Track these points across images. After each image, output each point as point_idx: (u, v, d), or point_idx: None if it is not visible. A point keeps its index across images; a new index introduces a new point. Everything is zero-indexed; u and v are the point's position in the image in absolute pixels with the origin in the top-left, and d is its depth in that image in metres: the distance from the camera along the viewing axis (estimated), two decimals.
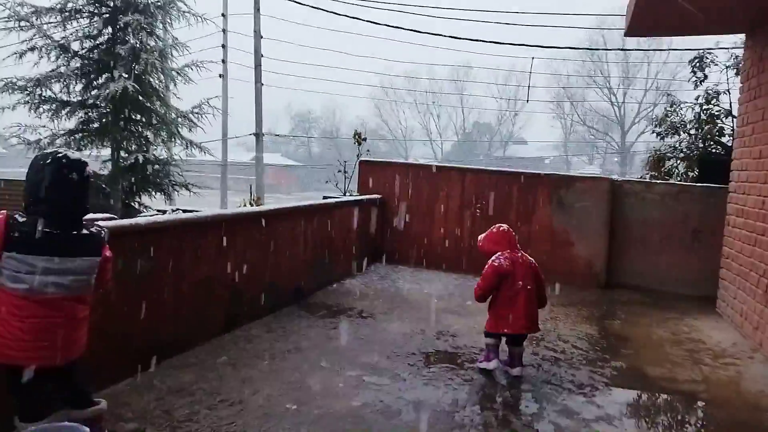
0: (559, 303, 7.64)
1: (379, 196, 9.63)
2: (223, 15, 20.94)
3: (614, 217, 8.95)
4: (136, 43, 11.71)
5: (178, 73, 13.99)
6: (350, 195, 9.17)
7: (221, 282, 5.44)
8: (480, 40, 15.45)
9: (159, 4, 13.00)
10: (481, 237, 5.10)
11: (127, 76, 11.65)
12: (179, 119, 13.94)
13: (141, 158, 12.61)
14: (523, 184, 9.20)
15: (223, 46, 21.00)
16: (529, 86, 26.03)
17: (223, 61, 20.99)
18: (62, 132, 11.82)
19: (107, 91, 11.36)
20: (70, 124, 11.97)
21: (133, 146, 12.55)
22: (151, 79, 12.39)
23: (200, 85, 16.21)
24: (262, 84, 19.81)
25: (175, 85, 14.06)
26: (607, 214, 8.89)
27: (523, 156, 59.26)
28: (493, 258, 4.94)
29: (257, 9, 19.65)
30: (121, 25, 11.87)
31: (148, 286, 4.48)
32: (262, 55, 19.66)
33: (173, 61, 13.73)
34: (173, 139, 13.53)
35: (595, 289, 8.77)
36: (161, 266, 4.61)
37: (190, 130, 14.35)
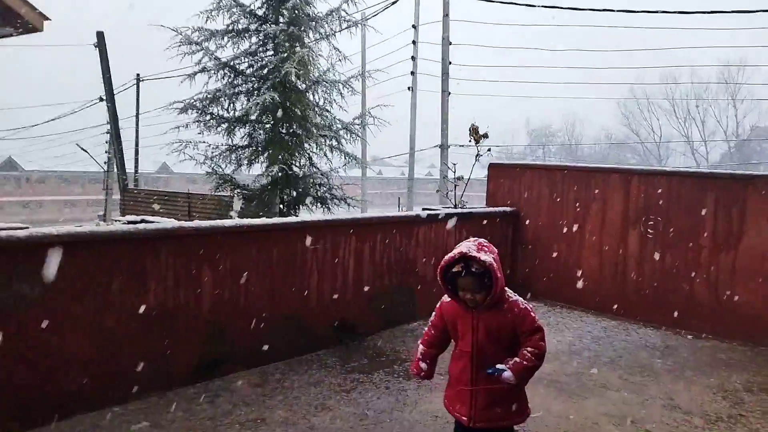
0: None
1: (510, 208, 7.43)
2: (414, 26, 20.30)
3: None
4: (284, 53, 11.47)
5: (344, 84, 13.52)
6: (464, 208, 7.15)
7: (191, 314, 4.20)
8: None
9: (318, 14, 12.70)
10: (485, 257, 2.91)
11: (273, 87, 11.48)
12: (341, 131, 13.42)
13: (298, 170, 12.31)
14: (723, 191, 6.05)
15: (413, 58, 20.29)
16: None
17: (413, 73, 20.28)
18: (224, 146, 12.20)
19: (257, 103, 11.30)
20: (236, 139, 12.34)
21: (293, 159, 12.33)
22: (300, 88, 12.04)
23: (390, 97, 15.68)
24: (449, 93, 18.49)
25: (342, 96, 13.61)
26: None
27: None
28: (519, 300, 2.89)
29: (446, 14, 18.47)
30: (273, 37, 11.81)
31: (40, 315, 3.45)
32: (450, 63, 18.37)
33: (334, 72, 13.30)
34: (332, 151, 13.04)
35: None
36: (61, 290, 3.54)
37: (353, 142, 13.71)
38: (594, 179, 6.92)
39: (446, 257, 2.65)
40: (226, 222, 4.30)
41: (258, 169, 12.91)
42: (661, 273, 6.42)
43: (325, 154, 13.36)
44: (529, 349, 2.65)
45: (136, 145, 28.59)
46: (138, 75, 28.62)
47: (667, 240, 6.39)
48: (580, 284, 6.91)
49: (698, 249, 6.19)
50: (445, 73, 18.56)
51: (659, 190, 6.44)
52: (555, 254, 7.17)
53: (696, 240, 6.19)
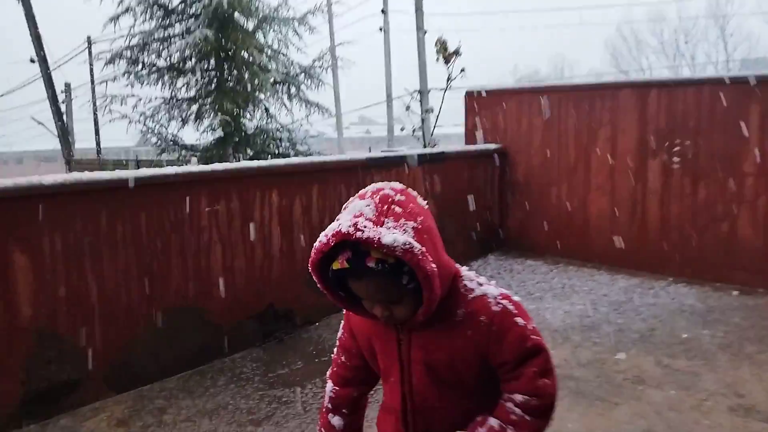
0: None
1: (494, 145, 5.88)
2: None
3: None
4: None
5: (300, 21, 11.70)
6: (436, 148, 5.60)
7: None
8: None
9: None
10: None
11: (207, 23, 9.69)
12: (301, 75, 11.69)
13: (251, 123, 10.69)
14: None
15: None
16: None
17: (383, 12, 18.30)
18: (159, 100, 10.46)
19: (188, 43, 9.53)
20: (176, 91, 10.59)
21: (244, 111, 10.64)
22: (241, 25, 10.23)
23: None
24: (425, 31, 16.63)
25: (299, 36, 11.80)
26: None
27: None
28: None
29: None
30: None
31: None
32: None
33: (288, 8, 11.46)
34: (291, 100, 11.35)
35: None
36: None
37: (317, 88, 12.02)
38: (599, 99, 5.36)
39: (318, 241, 1.21)
40: (46, 179, 2.73)
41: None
42: (693, 212, 4.95)
43: (284, 104, 11.68)
44: (518, 398, 1.28)
45: (95, 114, 26.44)
46: (89, 38, 26.25)
47: (698, 169, 4.89)
48: (588, 234, 5.45)
49: (741, 178, 4.71)
50: (419, 9, 16.67)
51: (686, 106, 4.90)
52: (554, 199, 5.68)
53: (738, 166, 4.71)
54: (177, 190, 3.30)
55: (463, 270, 1.33)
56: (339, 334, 1.52)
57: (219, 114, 10.11)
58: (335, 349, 1.54)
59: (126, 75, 10.29)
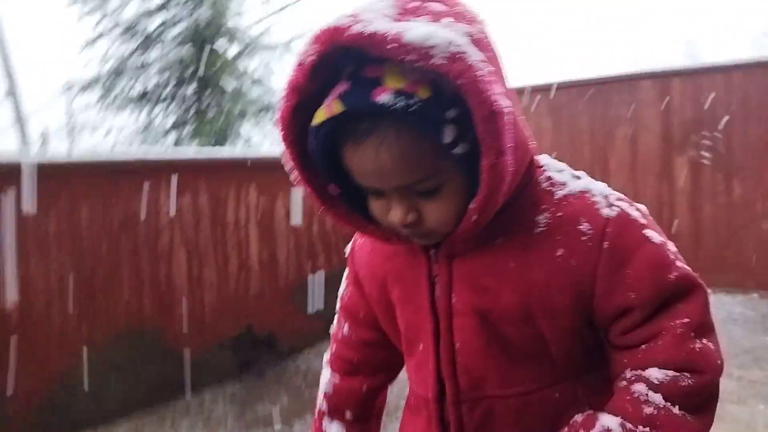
0: None
1: None
2: None
3: None
4: None
5: (285, 47, 11.28)
6: None
7: None
8: None
9: None
10: None
11: (185, 42, 9.19)
12: None
13: None
14: None
15: None
16: None
17: None
18: (139, 128, 9.83)
19: (166, 61, 8.98)
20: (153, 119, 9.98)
21: (226, 141, 10.02)
22: (220, 51, 9.75)
23: None
24: None
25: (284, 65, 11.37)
26: None
27: None
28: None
29: None
30: None
31: None
32: None
33: (270, 36, 11.06)
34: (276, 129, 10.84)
35: None
36: None
37: None
38: (616, 94, 4.85)
39: (293, 68, 0.64)
40: None
41: None
42: (728, 212, 4.39)
43: (267, 134, 11.14)
44: (656, 376, 0.68)
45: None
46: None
47: (733, 163, 4.35)
48: None
49: None
50: None
51: (714, 94, 4.40)
52: None
53: None
54: (130, 178, 2.64)
55: (543, 156, 0.77)
56: (341, 290, 0.94)
57: (198, 141, 9.52)
58: (335, 318, 0.96)
59: (100, 103, 9.70)
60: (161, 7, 9.82)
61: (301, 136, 0.67)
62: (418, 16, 0.62)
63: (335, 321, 0.95)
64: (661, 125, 4.62)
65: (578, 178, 0.75)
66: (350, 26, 0.58)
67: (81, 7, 9.69)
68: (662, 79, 4.63)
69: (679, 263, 0.72)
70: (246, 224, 3.11)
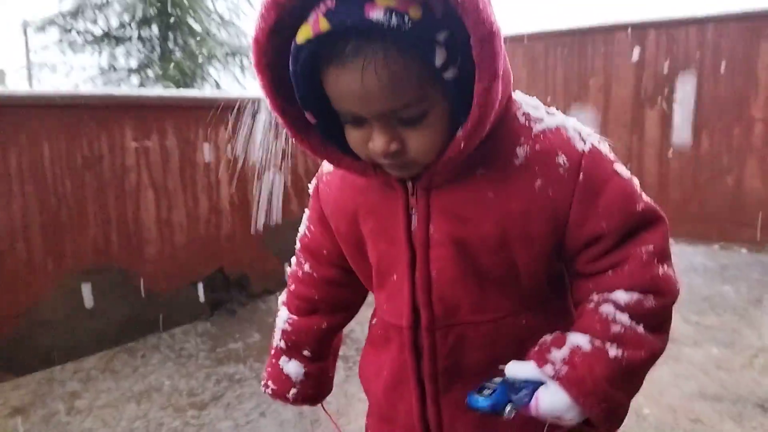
0: None
1: None
2: None
3: None
4: None
5: None
6: None
7: None
8: None
9: None
10: None
11: None
12: None
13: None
14: None
15: None
16: None
17: None
18: (99, 69, 9.42)
19: (126, 2, 8.55)
20: (115, 60, 9.55)
21: (192, 82, 9.67)
22: None
23: None
24: None
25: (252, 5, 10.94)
26: None
27: None
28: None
29: None
30: None
31: None
32: None
33: None
34: (243, 73, 10.49)
35: None
36: None
37: None
38: (591, 45, 4.84)
39: None
40: None
41: None
42: (694, 165, 4.49)
43: (237, 79, 10.84)
44: (623, 297, 0.72)
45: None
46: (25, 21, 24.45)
47: (701, 116, 4.43)
48: None
49: (749, 124, 4.27)
50: None
51: (688, 47, 4.43)
52: None
53: (745, 111, 4.26)
54: (93, 116, 2.55)
55: (517, 92, 0.77)
56: (301, 229, 0.94)
57: (162, 84, 9.20)
58: (293, 258, 0.95)
59: (59, 43, 9.25)
60: None
61: (274, 62, 0.64)
62: None
63: (294, 261, 0.95)
64: (634, 77, 4.64)
65: (552, 114, 0.76)
66: None
67: None
68: (637, 30, 4.62)
69: (644, 196, 0.76)
70: (216, 166, 3.05)
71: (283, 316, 0.93)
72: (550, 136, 0.73)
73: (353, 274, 0.88)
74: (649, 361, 0.71)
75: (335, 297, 0.92)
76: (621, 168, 0.75)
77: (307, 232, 0.92)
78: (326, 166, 0.87)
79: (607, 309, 0.71)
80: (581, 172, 0.71)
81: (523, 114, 0.74)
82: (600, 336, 0.70)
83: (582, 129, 0.75)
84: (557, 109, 0.78)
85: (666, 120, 4.56)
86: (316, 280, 0.91)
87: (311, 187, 0.91)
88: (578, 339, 0.71)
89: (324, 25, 0.58)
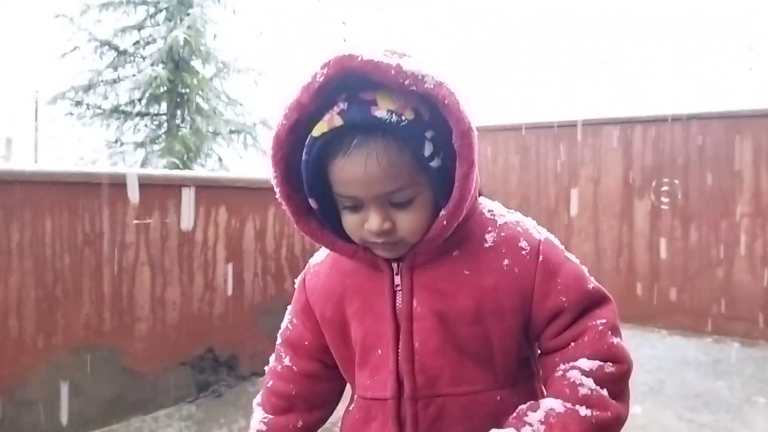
0: None
1: None
2: None
3: None
4: (172, 20, 9.19)
5: (260, 72, 11.33)
6: None
7: None
8: None
9: None
10: None
11: (160, 61, 9.16)
12: (257, 126, 11.19)
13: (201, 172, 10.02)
14: (764, 134, 4.32)
15: None
16: None
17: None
18: (105, 143, 9.67)
19: (137, 80, 8.91)
20: (123, 135, 9.82)
21: (196, 158, 9.90)
22: (198, 70, 9.75)
23: None
24: None
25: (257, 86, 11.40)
26: None
27: None
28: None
29: None
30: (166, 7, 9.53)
31: None
32: None
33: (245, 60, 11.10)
34: (247, 149, 10.78)
35: None
36: None
37: None
38: (581, 137, 5.05)
39: (295, 91, 0.77)
40: None
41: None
42: (685, 256, 4.57)
43: (239, 155, 11.12)
44: (586, 364, 0.81)
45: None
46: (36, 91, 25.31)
47: (689, 210, 4.56)
48: None
49: (735, 219, 4.39)
50: None
51: (673, 143, 4.63)
52: None
53: (731, 206, 4.39)
54: (97, 193, 2.63)
55: (482, 198, 0.93)
56: (283, 325, 1.00)
57: (167, 158, 9.42)
58: (273, 355, 1.00)
59: (69, 116, 9.56)
60: (138, 27, 9.84)
61: (287, 155, 0.78)
62: (402, 58, 0.75)
63: (273, 357, 0.99)
64: (623, 169, 4.82)
65: (511, 212, 0.92)
66: (360, 56, 0.72)
67: (61, 19, 9.65)
68: (624, 125, 4.85)
69: (592, 278, 0.89)
70: (215, 245, 3.10)
71: (257, 416, 0.96)
72: (512, 226, 0.88)
73: (332, 369, 0.94)
74: (616, 425, 0.79)
75: (313, 392, 0.95)
76: (571, 255, 0.89)
77: (289, 326, 0.98)
78: (314, 260, 0.97)
79: (573, 374, 0.80)
80: (540, 255, 0.85)
81: (489, 211, 0.90)
82: (570, 399, 0.78)
83: (536, 225, 0.91)
84: (547, 207, 0.87)
85: (655, 211, 4.68)
86: (295, 374, 0.95)
87: (297, 281, 0.98)
88: (551, 403, 0.79)
89: (338, 121, 0.73)
